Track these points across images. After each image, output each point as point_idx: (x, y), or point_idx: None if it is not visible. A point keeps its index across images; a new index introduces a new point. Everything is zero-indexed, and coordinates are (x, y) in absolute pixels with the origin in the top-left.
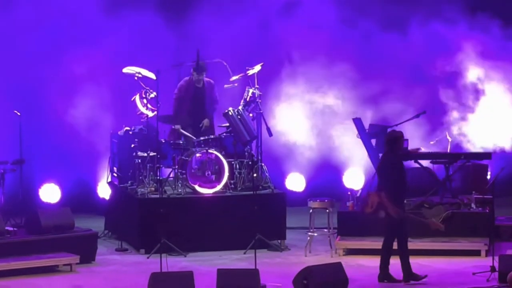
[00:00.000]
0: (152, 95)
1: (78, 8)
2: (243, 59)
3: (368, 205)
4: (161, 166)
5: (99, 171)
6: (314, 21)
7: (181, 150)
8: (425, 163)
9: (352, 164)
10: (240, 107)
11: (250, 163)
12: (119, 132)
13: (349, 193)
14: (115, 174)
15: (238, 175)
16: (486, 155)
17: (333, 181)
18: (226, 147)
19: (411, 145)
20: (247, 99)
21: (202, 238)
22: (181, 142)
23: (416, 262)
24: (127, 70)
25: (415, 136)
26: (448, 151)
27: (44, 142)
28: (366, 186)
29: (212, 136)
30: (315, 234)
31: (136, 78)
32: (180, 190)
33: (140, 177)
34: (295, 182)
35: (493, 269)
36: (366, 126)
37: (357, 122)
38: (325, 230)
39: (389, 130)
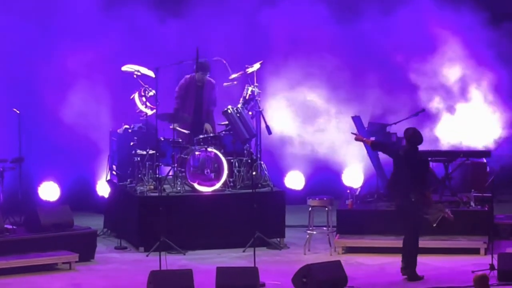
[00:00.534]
0: (151, 93)
1: (77, 6)
2: (242, 57)
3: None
4: (160, 164)
5: (98, 169)
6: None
7: (180, 148)
8: None
9: (351, 163)
10: (239, 105)
11: (249, 161)
12: (118, 130)
13: (348, 191)
14: (114, 172)
15: (237, 173)
16: (486, 153)
17: (332, 179)
18: (225, 145)
19: None
20: (246, 97)
21: (201, 236)
22: (180, 141)
23: None
24: (126, 68)
25: None
26: None
27: (43, 140)
28: (366, 185)
29: (211, 134)
30: (314, 232)
31: (135, 76)
32: (179, 188)
33: (139, 175)
34: (294, 180)
35: (492, 267)
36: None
37: (356, 120)
38: (324, 228)
39: (388, 128)
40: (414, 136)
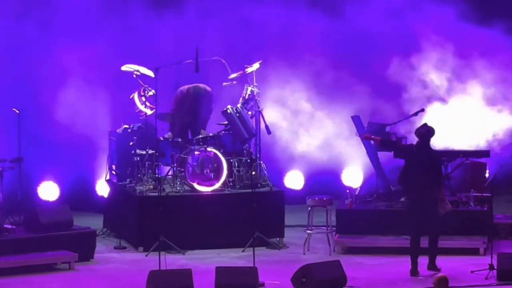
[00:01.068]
0: (150, 93)
1: (77, 5)
2: (241, 56)
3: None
4: (160, 164)
5: (97, 169)
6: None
7: (179, 148)
8: None
9: (350, 162)
10: (238, 105)
11: (248, 161)
12: (117, 130)
13: (347, 191)
14: (113, 172)
15: (236, 173)
16: (485, 153)
17: (332, 179)
18: (225, 145)
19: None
20: (246, 97)
21: (200, 236)
22: (179, 140)
23: None
24: (126, 67)
25: None
26: None
27: (43, 140)
28: (365, 184)
29: (210, 134)
30: (314, 232)
31: (134, 75)
32: (178, 188)
33: (139, 175)
34: (294, 180)
35: (491, 267)
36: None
37: (356, 120)
38: (324, 228)
39: (387, 128)
40: (428, 133)
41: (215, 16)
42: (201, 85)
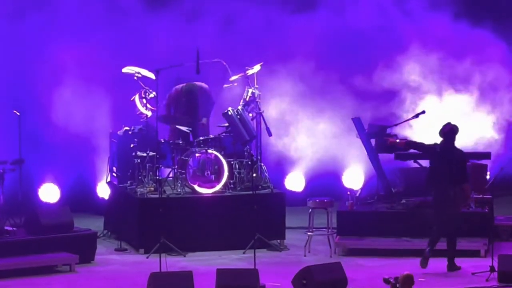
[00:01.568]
0: (151, 95)
1: (79, 7)
2: (242, 58)
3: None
4: (161, 166)
5: (98, 171)
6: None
7: (180, 150)
8: (425, 163)
9: (351, 164)
10: (239, 107)
11: (249, 163)
12: (118, 132)
13: (348, 193)
14: (114, 174)
15: (237, 175)
16: (486, 155)
17: (333, 181)
18: (226, 147)
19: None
20: (247, 99)
21: (201, 238)
22: (180, 142)
23: (415, 262)
24: (127, 70)
25: None
26: None
27: (43, 142)
28: (366, 186)
29: (211, 136)
30: (315, 234)
31: (135, 78)
32: (179, 190)
33: (140, 177)
34: (295, 182)
35: (492, 269)
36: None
37: (356, 121)
38: (325, 230)
39: (388, 130)
40: (452, 132)
41: (217, 18)
42: (196, 83)
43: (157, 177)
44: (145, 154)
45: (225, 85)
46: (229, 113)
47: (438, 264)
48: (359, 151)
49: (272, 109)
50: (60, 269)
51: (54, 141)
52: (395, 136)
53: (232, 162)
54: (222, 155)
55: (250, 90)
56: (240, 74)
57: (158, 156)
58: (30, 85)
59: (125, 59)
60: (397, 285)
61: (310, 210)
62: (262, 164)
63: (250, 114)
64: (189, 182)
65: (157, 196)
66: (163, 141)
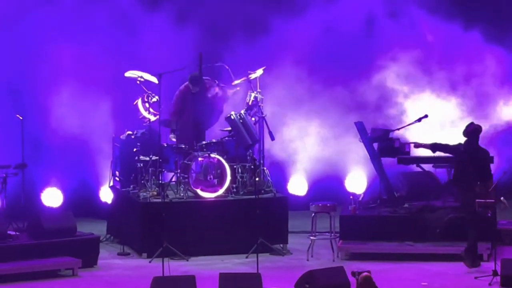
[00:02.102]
0: (154, 99)
1: (81, 11)
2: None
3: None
4: (163, 170)
5: (101, 175)
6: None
7: (183, 154)
8: (427, 167)
9: (354, 168)
10: (242, 111)
11: (252, 167)
12: (121, 136)
13: (351, 197)
14: (117, 178)
15: (240, 179)
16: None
17: (335, 185)
18: (228, 151)
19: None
20: (249, 103)
21: (204, 242)
22: (183, 146)
23: (418, 267)
24: (130, 74)
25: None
26: None
27: (46, 146)
28: (369, 190)
29: (214, 140)
30: (317, 238)
31: (138, 82)
32: (182, 194)
33: (142, 181)
34: (297, 186)
35: (495, 273)
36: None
37: (359, 125)
38: (327, 234)
39: (391, 134)
40: (475, 132)
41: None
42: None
43: (160, 181)
44: (148, 158)
45: (228, 90)
46: (232, 117)
47: (440, 268)
48: (361, 155)
49: (275, 113)
50: (63, 273)
51: (57, 145)
52: (398, 140)
53: (234, 166)
54: (225, 159)
55: (253, 94)
56: (243, 78)
57: (161, 160)
58: (32, 89)
59: (128, 63)
60: (358, 282)
61: (313, 214)
62: (265, 168)
63: (253, 118)
64: (192, 186)
65: (159, 200)
66: (166, 145)
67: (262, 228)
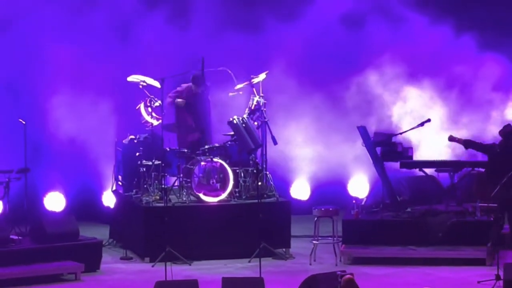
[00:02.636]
0: (157, 104)
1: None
2: (248, 67)
3: None
4: (166, 174)
5: (104, 180)
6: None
7: (186, 159)
8: (430, 171)
9: (356, 173)
10: (245, 115)
11: (255, 171)
12: (124, 141)
13: (354, 201)
14: (119, 183)
15: (243, 184)
16: None
17: (338, 189)
18: (231, 155)
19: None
20: (252, 108)
21: (207, 247)
22: (186, 151)
23: (420, 271)
24: (132, 78)
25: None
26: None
27: (49, 150)
28: (371, 194)
29: (217, 144)
30: (320, 243)
31: (141, 86)
32: (184, 199)
33: (145, 186)
34: (300, 191)
35: (498, 277)
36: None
37: (362, 130)
38: (330, 238)
39: (393, 138)
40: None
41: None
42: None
43: (163, 186)
44: (150, 163)
45: (230, 93)
46: (235, 121)
47: (443, 272)
48: (364, 160)
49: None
50: (66, 277)
51: (60, 149)
52: (400, 144)
53: (237, 171)
54: (228, 164)
55: (256, 99)
56: (245, 83)
57: (163, 164)
58: (34, 94)
59: (131, 68)
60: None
61: (316, 218)
62: (268, 172)
63: (256, 123)
64: (195, 191)
65: (162, 204)
66: (168, 149)
67: (265, 232)
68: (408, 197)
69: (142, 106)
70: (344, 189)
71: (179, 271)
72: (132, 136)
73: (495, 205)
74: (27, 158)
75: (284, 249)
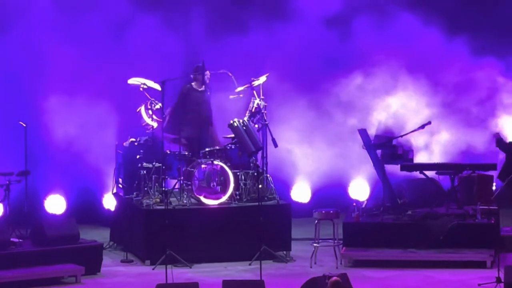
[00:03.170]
0: (157, 106)
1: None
2: (248, 69)
3: None
4: (167, 177)
5: (104, 182)
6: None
7: (186, 161)
8: (430, 173)
9: (357, 175)
10: (245, 118)
11: (255, 174)
12: (124, 143)
13: (354, 204)
14: (120, 185)
15: (243, 186)
16: (492, 166)
17: (339, 192)
18: (232, 158)
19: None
20: (253, 110)
21: (207, 249)
22: (186, 153)
23: (421, 274)
24: (133, 81)
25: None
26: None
27: (49, 153)
28: (372, 197)
29: (217, 147)
30: (321, 245)
31: (141, 89)
32: (185, 201)
33: (146, 188)
34: (301, 193)
35: (498, 280)
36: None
37: (362, 133)
38: (331, 241)
39: (394, 141)
40: None
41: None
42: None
43: (163, 188)
44: (151, 165)
45: (231, 96)
46: (235, 124)
47: (444, 275)
48: (365, 162)
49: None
50: (66, 280)
51: (60, 152)
52: (401, 147)
53: (238, 173)
54: (228, 166)
55: (256, 101)
56: (246, 85)
57: (164, 167)
58: (34, 96)
59: (131, 70)
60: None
61: (316, 221)
62: (268, 175)
63: (256, 125)
64: (195, 194)
65: (163, 207)
66: (169, 152)
67: (266, 235)
68: (409, 199)
69: (142, 108)
70: (344, 192)
71: (180, 274)
72: (133, 139)
73: (494, 207)
74: (27, 161)
75: (284, 252)
